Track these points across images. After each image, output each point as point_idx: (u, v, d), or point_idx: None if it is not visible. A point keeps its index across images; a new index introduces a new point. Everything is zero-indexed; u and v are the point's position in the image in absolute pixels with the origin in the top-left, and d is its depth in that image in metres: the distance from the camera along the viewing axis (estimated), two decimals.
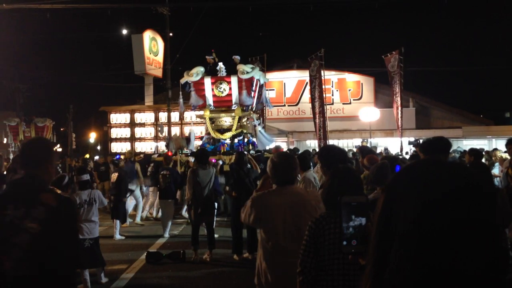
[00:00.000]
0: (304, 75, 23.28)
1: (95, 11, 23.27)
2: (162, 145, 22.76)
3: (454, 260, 0.90)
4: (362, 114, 21.14)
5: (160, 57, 25.90)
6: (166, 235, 9.73)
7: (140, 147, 23.97)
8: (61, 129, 31.56)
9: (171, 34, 22.48)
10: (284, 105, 25.80)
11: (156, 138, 23.54)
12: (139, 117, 24.75)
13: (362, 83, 25.69)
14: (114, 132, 24.96)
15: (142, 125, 24.71)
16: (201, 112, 14.36)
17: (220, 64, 14.15)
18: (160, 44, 25.82)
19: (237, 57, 14.39)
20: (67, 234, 2.39)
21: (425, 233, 0.91)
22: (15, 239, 2.24)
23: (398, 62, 18.51)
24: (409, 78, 23.96)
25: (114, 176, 10.27)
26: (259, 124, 14.81)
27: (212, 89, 13.91)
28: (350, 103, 25.47)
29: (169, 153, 12.27)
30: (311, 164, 6.98)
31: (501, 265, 0.93)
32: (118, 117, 25.02)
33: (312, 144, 23.04)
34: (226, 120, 14.13)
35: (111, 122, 24.94)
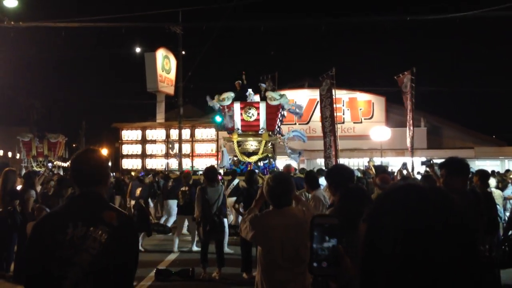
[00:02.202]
0: (315, 94, 23.35)
1: (110, 29, 23.69)
2: (172, 162, 22.86)
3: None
4: (373, 133, 21.07)
5: (172, 75, 26.19)
6: (175, 249, 9.93)
7: (151, 163, 24.09)
8: (73, 145, 31.84)
9: (183, 52, 22.76)
10: (295, 124, 25.82)
11: (167, 155, 23.64)
12: (150, 134, 24.95)
13: (373, 102, 25.68)
14: (126, 149, 25.15)
15: (153, 142, 24.89)
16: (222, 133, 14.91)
17: (250, 90, 14.72)
18: (173, 62, 26.14)
19: (262, 85, 15.17)
20: (128, 254, 2.26)
21: (404, 262, 0.91)
22: (75, 258, 2.13)
23: (410, 82, 18.51)
24: (421, 98, 23.90)
25: (138, 191, 10.78)
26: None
27: (241, 114, 14.45)
28: (361, 122, 25.44)
29: (188, 171, 12.40)
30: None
31: None
32: (129, 134, 25.24)
33: (323, 163, 22.99)
34: (252, 144, 14.60)
35: (123, 139, 25.15)
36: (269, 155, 14.69)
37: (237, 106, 14.53)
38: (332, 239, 1.22)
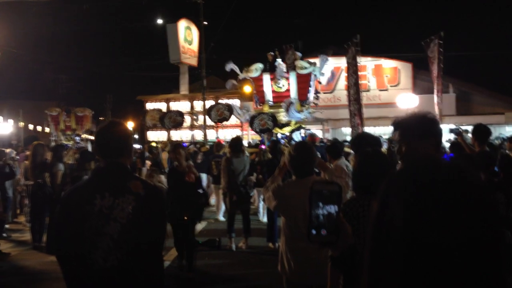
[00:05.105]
0: (339, 62, 22.94)
1: (131, 1, 23.58)
2: (197, 134, 22.97)
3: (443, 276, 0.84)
4: (400, 101, 20.70)
5: (194, 46, 26.05)
6: (221, 218, 10.06)
7: (175, 135, 24.26)
8: (100, 118, 32.31)
9: (205, 22, 22.53)
10: (319, 93, 25.53)
11: (191, 127, 23.74)
12: (174, 105, 25.04)
13: (399, 69, 25.10)
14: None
15: None
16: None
17: (279, 60, 14.41)
18: (195, 32, 25.95)
19: (298, 54, 14.74)
20: (156, 222, 2.32)
21: (415, 246, 0.85)
22: (104, 229, 2.18)
23: (438, 47, 17.96)
24: (449, 63, 23.24)
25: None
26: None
27: (271, 85, 14.19)
28: (387, 89, 24.95)
29: (221, 141, 12.40)
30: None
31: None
32: (154, 106, 25.37)
33: (348, 131, 22.79)
34: (285, 115, 14.36)
35: (148, 111, 25.30)
36: (302, 126, 14.52)
37: (266, 77, 14.30)
38: (332, 206, 1.19)
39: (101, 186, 2.29)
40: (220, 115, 12.60)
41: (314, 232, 1.19)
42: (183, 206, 6.26)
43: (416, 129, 2.12)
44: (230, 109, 12.42)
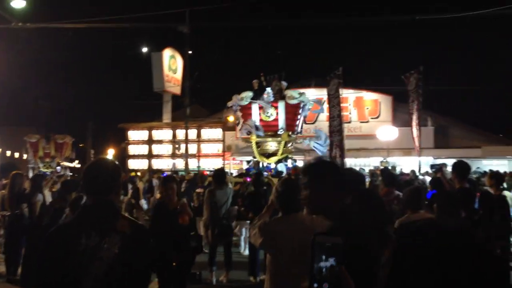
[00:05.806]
0: (322, 93, 23.22)
1: (117, 30, 23.70)
2: (179, 163, 22.85)
3: None
4: (380, 133, 20.99)
5: (179, 75, 26.17)
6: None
7: (157, 164, 24.08)
8: (80, 145, 31.93)
9: (190, 52, 22.68)
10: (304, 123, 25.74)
11: (173, 156, 23.63)
12: (157, 134, 24.94)
13: (380, 102, 25.58)
14: (132, 149, 25.14)
15: (160, 142, 24.86)
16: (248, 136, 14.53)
17: (268, 89, 14.27)
18: (179, 61, 26.12)
19: (284, 83, 14.66)
20: (141, 262, 2.30)
21: None
22: (89, 268, 2.16)
23: (417, 81, 18.38)
24: (428, 97, 23.75)
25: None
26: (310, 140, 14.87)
27: (260, 114, 14.05)
28: (367, 121, 25.33)
29: (204, 172, 12.26)
30: None
31: None
32: (136, 134, 25.26)
33: None
34: (272, 144, 14.22)
35: (129, 139, 25.14)
36: (289, 156, 14.38)
37: (255, 106, 14.13)
38: (334, 260, 1.18)
39: (87, 225, 2.27)
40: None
41: (316, 285, 1.18)
42: (171, 250, 5.20)
43: (317, 173, 2.45)
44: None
